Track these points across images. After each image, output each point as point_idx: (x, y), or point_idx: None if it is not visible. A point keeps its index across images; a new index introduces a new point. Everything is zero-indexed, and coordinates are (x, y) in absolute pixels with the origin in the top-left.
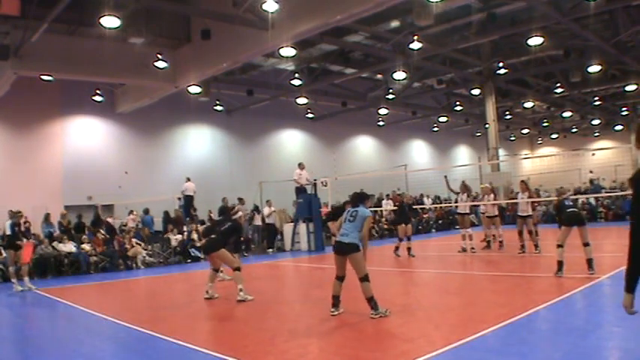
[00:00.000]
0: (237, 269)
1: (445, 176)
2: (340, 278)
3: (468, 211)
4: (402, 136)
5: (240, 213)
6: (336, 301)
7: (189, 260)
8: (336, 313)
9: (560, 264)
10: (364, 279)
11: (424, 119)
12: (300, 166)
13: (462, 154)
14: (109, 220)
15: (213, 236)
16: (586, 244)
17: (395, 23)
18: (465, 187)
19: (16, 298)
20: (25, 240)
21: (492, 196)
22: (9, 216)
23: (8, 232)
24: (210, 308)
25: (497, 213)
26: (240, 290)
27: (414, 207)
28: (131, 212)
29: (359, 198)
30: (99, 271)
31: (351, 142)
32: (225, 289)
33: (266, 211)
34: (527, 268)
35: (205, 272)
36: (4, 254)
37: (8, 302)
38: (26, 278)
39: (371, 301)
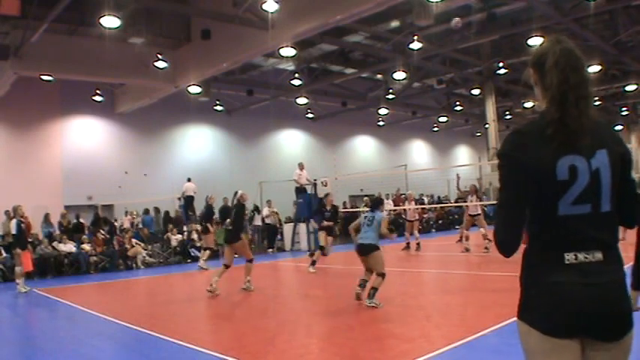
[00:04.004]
0: (250, 261)
1: (457, 174)
2: (370, 269)
3: (479, 212)
4: (402, 136)
5: (239, 192)
6: (363, 283)
7: (189, 260)
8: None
9: None
10: (380, 275)
11: (424, 119)
12: (300, 166)
13: (462, 154)
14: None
15: (229, 228)
16: None
17: (395, 23)
18: (475, 189)
19: (16, 298)
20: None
21: (475, 196)
22: (7, 216)
23: (14, 232)
24: (210, 308)
25: (479, 212)
26: (248, 281)
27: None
28: (130, 213)
29: (376, 203)
30: (99, 271)
31: (351, 142)
32: (226, 289)
33: (265, 211)
34: None
35: (205, 272)
36: (4, 254)
37: (8, 302)
38: (22, 280)
39: (373, 289)
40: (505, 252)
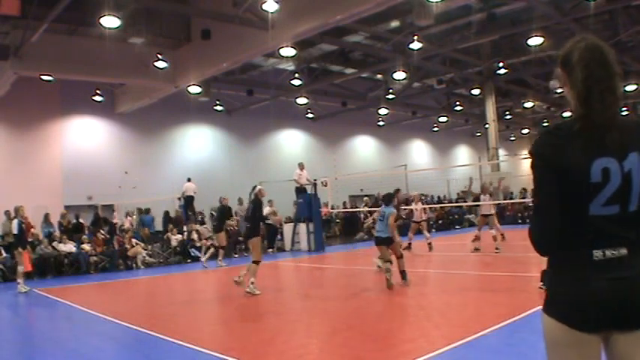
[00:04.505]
0: (256, 262)
1: (471, 178)
2: (388, 261)
3: (491, 212)
4: (402, 136)
5: (258, 187)
6: (388, 274)
7: (189, 260)
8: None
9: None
10: (400, 257)
11: (424, 119)
12: (300, 166)
13: (462, 154)
14: (115, 220)
15: (248, 225)
16: None
17: (395, 23)
18: (486, 188)
19: (16, 298)
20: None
21: (487, 195)
22: (7, 216)
23: (15, 232)
24: (210, 308)
25: (492, 212)
26: (252, 283)
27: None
28: (128, 215)
29: (388, 198)
30: (99, 271)
31: (351, 142)
32: (226, 290)
33: (266, 210)
34: (526, 268)
35: (205, 272)
36: (4, 254)
37: (8, 302)
38: (22, 279)
39: (403, 273)
40: (542, 251)
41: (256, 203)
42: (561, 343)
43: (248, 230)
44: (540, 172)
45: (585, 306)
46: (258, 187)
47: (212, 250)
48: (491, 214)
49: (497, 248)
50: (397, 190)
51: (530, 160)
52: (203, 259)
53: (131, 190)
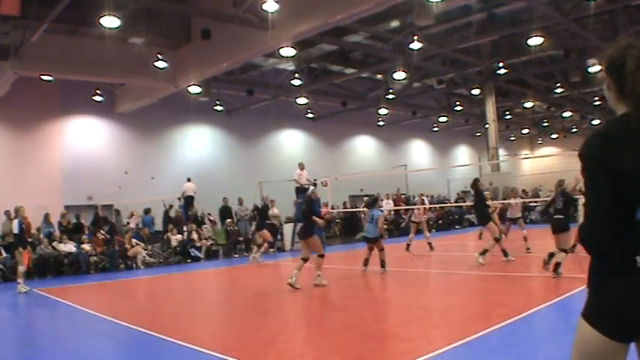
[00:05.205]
0: (321, 256)
1: (497, 188)
2: (371, 248)
3: (519, 215)
4: (402, 136)
5: (311, 188)
6: (366, 262)
7: (189, 260)
8: (367, 269)
9: (556, 265)
10: (382, 250)
11: (424, 119)
12: (300, 166)
13: (462, 154)
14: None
15: (301, 223)
16: (561, 250)
17: (395, 23)
18: (514, 192)
19: (16, 298)
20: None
21: (518, 198)
22: (7, 216)
23: (16, 231)
24: (210, 308)
25: (519, 215)
26: (318, 275)
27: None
28: (132, 214)
29: (372, 202)
30: (99, 271)
31: (351, 142)
32: (227, 289)
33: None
34: (526, 268)
35: (204, 272)
36: (4, 254)
37: (8, 302)
38: (23, 279)
39: (382, 262)
40: (592, 253)
41: (309, 203)
42: (596, 352)
43: (302, 229)
44: (591, 174)
45: (627, 318)
46: (312, 188)
47: (265, 245)
48: (519, 217)
49: (528, 249)
50: (477, 180)
51: (580, 164)
52: (257, 255)
53: (131, 190)
